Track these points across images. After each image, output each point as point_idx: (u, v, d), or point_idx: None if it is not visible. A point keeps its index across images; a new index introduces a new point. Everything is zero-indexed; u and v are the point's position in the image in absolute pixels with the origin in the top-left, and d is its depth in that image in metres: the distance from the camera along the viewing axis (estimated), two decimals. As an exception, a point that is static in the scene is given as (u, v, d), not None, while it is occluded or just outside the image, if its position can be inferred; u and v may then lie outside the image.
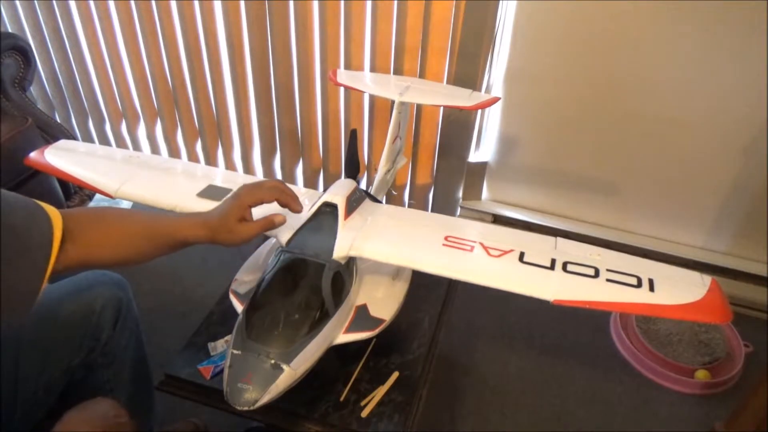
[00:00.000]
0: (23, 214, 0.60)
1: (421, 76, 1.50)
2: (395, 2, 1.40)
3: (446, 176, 1.69)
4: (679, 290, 0.73)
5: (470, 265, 0.77)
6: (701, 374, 1.34)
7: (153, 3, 1.63)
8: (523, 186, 1.68)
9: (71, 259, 0.68)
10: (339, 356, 0.87)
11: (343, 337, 0.80)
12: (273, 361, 0.69)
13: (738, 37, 1.25)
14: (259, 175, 1.90)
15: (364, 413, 0.82)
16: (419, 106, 1.56)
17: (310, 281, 0.76)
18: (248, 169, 1.89)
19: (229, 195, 0.78)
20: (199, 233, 0.74)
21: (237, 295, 0.86)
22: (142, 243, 0.75)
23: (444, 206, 1.74)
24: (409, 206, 1.77)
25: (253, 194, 0.76)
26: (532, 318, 1.53)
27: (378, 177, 1.12)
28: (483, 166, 1.67)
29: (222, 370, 0.73)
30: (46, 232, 0.59)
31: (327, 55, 1.54)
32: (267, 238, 1.02)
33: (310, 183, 1.83)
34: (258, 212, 0.78)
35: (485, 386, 1.35)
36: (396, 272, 0.92)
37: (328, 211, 0.84)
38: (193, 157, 1.94)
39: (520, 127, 1.58)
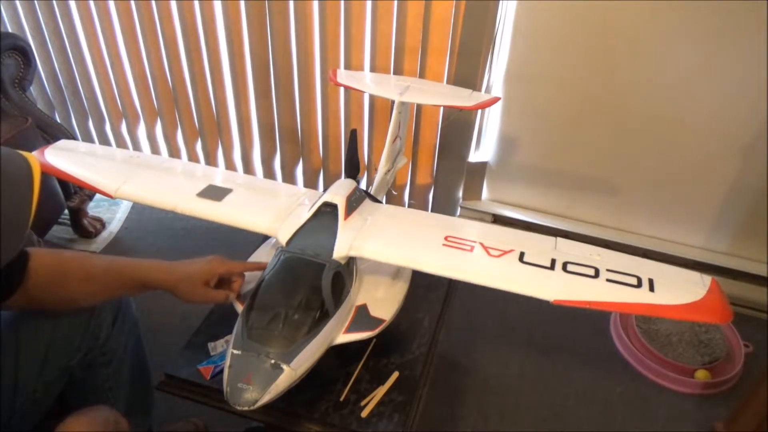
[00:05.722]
0: None
1: (421, 76, 1.50)
2: (395, 2, 1.40)
3: (446, 176, 1.69)
4: (679, 290, 0.73)
5: (470, 265, 0.77)
6: (701, 374, 1.34)
7: (153, 3, 1.63)
8: (523, 186, 1.68)
9: (30, 298, 0.75)
10: (339, 356, 0.87)
11: (343, 337, 0.80)
12: (273, 361, 0.70)
13: (738, 37, 1.25)
14: (259, 175, 1.90)
15: (364, 413, 0.82)
16: (419, 106, 1.56)
17: (310, 281, 0.76)
18: (248, 169, 1.89)
19: (199, 259, 0.84)
20: (162, 278, 0.80)
21: (237, 295, 0.86)
22: (98, 288, 0.80)
23: (444, 206, 1.74)
24: (409, 206, 1.77)
25: (226, 265, 0.84)
26: (532, 318, 1.53)
27: (378, 177, 1.12)
28: (483, 166, 1.67)
29: (222, 370, 0.73)
30: (25, 168, 0.60)
31: (327, 55, 1.54)
32: (267, 238, 1.02)
33: (310, 183, 1.83)
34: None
35: (485, 386, 1.35)
36: (396, 272, 0.92)
37: (328, 211, 0.84)
38: (193, 157, 1.94)
39: (520, 127, 1.58)
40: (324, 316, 0.75)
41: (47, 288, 0.76)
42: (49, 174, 0.94)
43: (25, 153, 0.62)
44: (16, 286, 0.74)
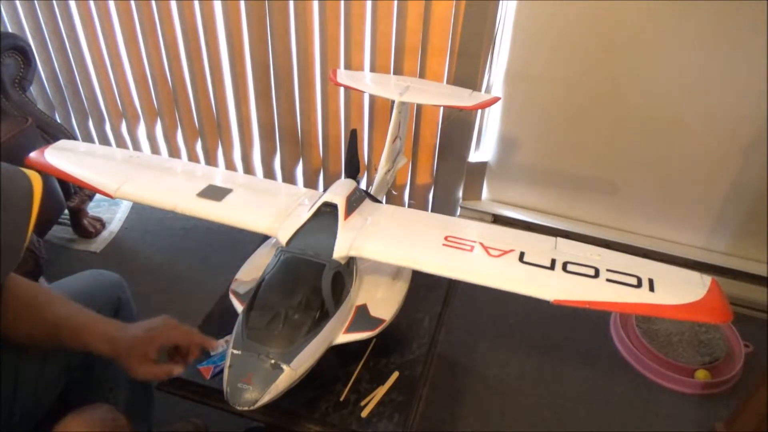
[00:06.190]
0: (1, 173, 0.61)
1: (421, 76, 1.50)
2: (395, 2, 1.40)
3: (446, 176, 1.69)
4: (679, 290, 0.73)
5: (470, 265, 0.77)
6: (701, 374, 1.34)
7: (153, 3, 1.63)
8: (523, 186, 1.68)
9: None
10: (339, 356, 0.87)
11: (343, 337, 0.80)
12: (273, 361, 0.70)
13: (738, 37, 1.25)
14: (259, 175, 1.90)
15: (364, 413, 0.82)
16: (419, 106, 1.56)
17: (310, 281, 0.76)
18: (248, 169, 1.89)
19: (146, 324, 0.78)
20: (104, 349, 0.76)
21: (237, 295, 0.86)
22: (52, 334, 0.77)
23: (444, 206, 1.74)
24: (409, 206, 1.77)
25: (168, 335, 0.77)
26: (532, 318, 1.53)
27: (378, 177, 1.12)
28: (483, 166, 1.67)
29: (222, 370, 0.73)
30: (27, 188, 0.60)
31: (327, 55, 1.54)
32: (267, 237, 1.02)
33: (310, 183, 1.83)
34: None
35: (485, 386, 1.35)
36: (396, 272, 0.92)
37: (328, 211, 0.84)
38: (193, 157, 1.94)
39: (520, 127, 1.58)
40: (324, 316, 0.75)
41: (20, 314, 0.76)
42: (49, 174, 0.94)
43: (29, 172, 0.62)
44: None
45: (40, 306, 0.78)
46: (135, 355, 0.75)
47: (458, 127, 1.57)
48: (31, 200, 0.59)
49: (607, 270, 0.75)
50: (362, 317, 0.83)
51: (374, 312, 0.84)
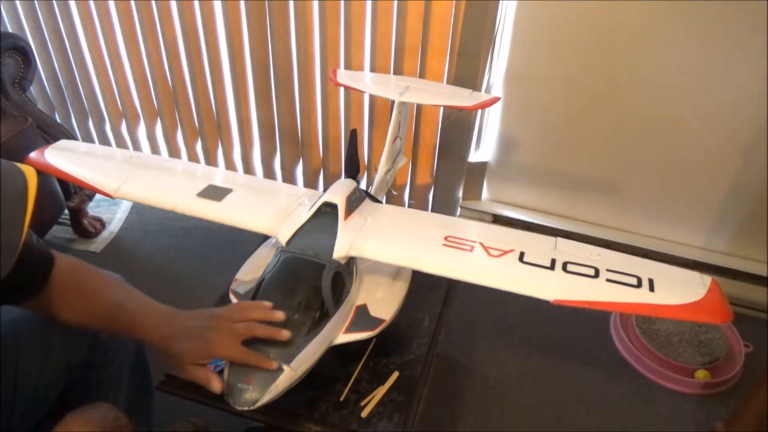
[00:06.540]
0: None
1: (421, 76, 1.50)
2: (395, 2, 1.40)
3: (446, 176, 1.69)
4: (679, 290, 0.73)
5: (470, 265, 0.77)
6: (701, 374, 1.34)
7: (153, 3, 1.63)
8: (523, 186, 1.68)
9: (43, 305, 0.73)
10: (339, 356, 0.87)
11: (343, 337, 0.80)
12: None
13: (738, 37, 1.25)
14: (259, 175, 1.90)
15: (364, 413, 0.81)
16: (419, 106, 1.56)
17: (310, 281, 0.76)
18: (248, 169, 1.89)
19: (207, 328, 0.73)
20: (155, 342, 0.74)
21: (237, 295, 0.86)
22: (101, 321, 0.76)
23: (444, 206, 1.74)
24: (409, 206, 1.77)
25: (227, 350, 0.71)
26: (532, 318, 1.53)
27: (378, 177, 1.12)
28: (483, 166, 1.67)
29: (222, 370, 0.73)
30: (21, 183, 0.59)
31: (327, 55, 1.54)
32: (267, 237, 1.02)
33: (310, 183, 1.83)
34: None
35: (485, 386, 1.35)
36: (396, 272, 0.92)
37: (328, 211, 0.84)
38: (193, 157, 1.94)
39: (520, 127, 1.58)
40: (324, 316, 0.75)
41: (59, 306, 0.75)
42: (49, 174, 0.94)
43: (23, 167, 0.61)
44: (40, 286, 0.73)
45: (92, 292, 0.77)
46: (184, 362, 0.73)
47: (458, 127, 1.57)
48: (26, 195, 0.58)
49: (607, 270, 0.75)
50: (362, 317, 0.83)
51: (374, 312, 0.84)
